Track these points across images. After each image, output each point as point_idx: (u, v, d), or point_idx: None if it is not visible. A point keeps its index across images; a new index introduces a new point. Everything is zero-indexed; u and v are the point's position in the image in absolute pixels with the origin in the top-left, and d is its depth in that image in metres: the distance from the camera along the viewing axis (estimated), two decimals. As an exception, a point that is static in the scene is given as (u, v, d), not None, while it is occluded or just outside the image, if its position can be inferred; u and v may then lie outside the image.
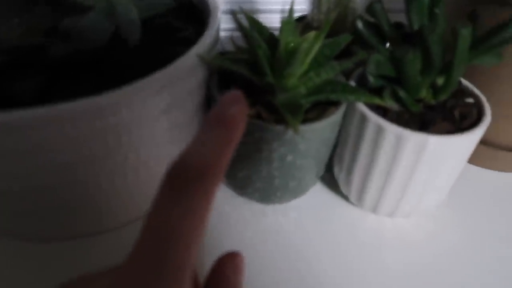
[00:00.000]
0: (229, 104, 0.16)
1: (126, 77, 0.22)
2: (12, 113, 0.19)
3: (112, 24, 0.23)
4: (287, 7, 0.28)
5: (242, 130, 0.17)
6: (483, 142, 0.36)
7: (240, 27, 0.26)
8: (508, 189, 0.35)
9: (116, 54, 0.23)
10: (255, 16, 0.52)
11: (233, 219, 0.31)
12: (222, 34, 0.51)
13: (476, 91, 0.28)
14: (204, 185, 0.14)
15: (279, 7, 0.51)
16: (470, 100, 0.28)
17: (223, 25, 0.51)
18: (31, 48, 0.21)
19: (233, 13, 0.26)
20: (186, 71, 0.25)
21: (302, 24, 0.35)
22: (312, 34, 0.27)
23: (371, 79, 0.27)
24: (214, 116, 0.16)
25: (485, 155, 0.36)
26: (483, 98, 0.28)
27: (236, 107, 0.16)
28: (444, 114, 0.26)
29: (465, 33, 0.23)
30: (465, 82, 0.29)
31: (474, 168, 0.37)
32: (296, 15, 0.38)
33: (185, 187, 0.14)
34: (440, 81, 0.27)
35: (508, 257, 0.30)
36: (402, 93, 0.26)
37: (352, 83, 0.28)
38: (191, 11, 0.33)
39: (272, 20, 0.52)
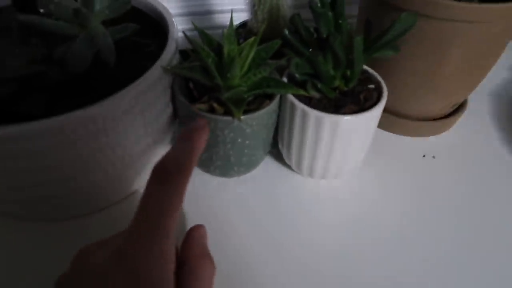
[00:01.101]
0: (195, 126, 0.26)
1: (108, 90, 0.29)
2: (25, 124, 0.26)
3: (93, 49, 0.30)
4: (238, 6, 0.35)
5: (204, 144, 0.26)
6: (398, 114, 0.45)
7: (191, 43, 0.33)
8: (415, 150, 0.45)
9: (98, 73, 0.31)
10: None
11: (202, 192, 0.40)
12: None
13: (379, 78, 0.37)
14: (180, 177, 0.23)
15: (229, 7, 0.58)
16: (371, 86, 0.36)
17: (179, 26, 0.58)
18: (34, 74, 0.28)
19: (184, 33, 0.33)
20: (154, 80, 0.32)
21: (245, 30, 0.43)
22: (250, 41, 0.35)
23: (297, 75, 0.35)
24: (185, 134, 0.26)
25: (399, 124, 0.45)
26: (383, 84, 0.36)
27: (200, 129, 0.26)
28: (352, 98, 0.35)
29: (358, 41, 0.31)
30: (371, 71, 0.38)
31: (390, 135, 0.46)
32: (241, 19, 0.46)
33: (167, 178, 0.23)
34: (348, 73, 0.35)
35: (414, 203, 0.40)
36: (320, 85, 0.34)
37: (284, 78, 0.37)
38: (152, 25, 0.40)
39: (224, 20, 0.59)
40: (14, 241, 0.35)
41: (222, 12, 0.59)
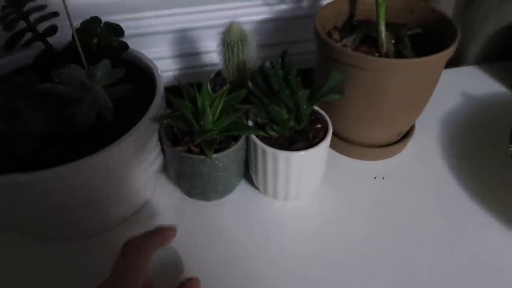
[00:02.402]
0: (163, 231, 0.39)
1: (108, 139, 0.38)
2: (47, 170, 0.35)
3: (96, 109, 0.39)
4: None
5: (163, 244, 0.39)
6: (350, 141, 0.53)
7: (174, 101, 0.42)
8: (367, 172, 0.53)
9: (100, 126, 0.40)
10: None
11: (188, 212, 0.48)
12: (170, 73, 0.67)
13: (326, 118, 0.45)
14: (139, 255, 0.34)
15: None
16: (319, 125, 0.45)
17: (171, 66, 0.68)
18: (50, 131, 0.38)
19: (168, 95, 0.42)
20: (144, 128, 0.41)
21: (220, 78, 0.52)
22: (221, 91, 0.43)
23: (259, 119, 0.44)
24: (154, 230, 0.38)
25: (352, 149, 0.54)
26: (329, 124, 0.45)
27: (166, 235, 0.39)
28: (303, 136, 0.44)
29: (302, 94, 0.40)
30: (320, 111, 0.46)
31: (346, 158, 0.55)
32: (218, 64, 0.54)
33: (129, 253, 0.34)
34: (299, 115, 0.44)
35: (365, 220, 0.48)
36: (276, 127, 0.43)
37: (250, 121, 0.45)
38: (143, 75, 0.49)
39: (211, 59, 0.68)
40: (31, 256, 0.44)
41: (210, 52, 0.68)
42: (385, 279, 0.42)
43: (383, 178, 0.52)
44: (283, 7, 0.65)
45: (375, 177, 0.52)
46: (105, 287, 0.33)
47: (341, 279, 0.42)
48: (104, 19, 0.61)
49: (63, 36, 0.50)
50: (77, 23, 0.48)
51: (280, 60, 0.42)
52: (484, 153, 0.55)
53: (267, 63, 0.41)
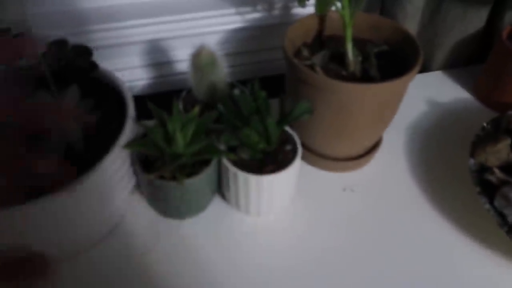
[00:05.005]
0: None
1: (80, 170, 0.39)
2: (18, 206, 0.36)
3: (64, 143, 0.40)
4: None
5: None
6: (321, 155, 0.55)
7: (143, 125, 0.42)
8: (337, 184, 0.55)
9: (71, 158, 0.40)
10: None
11: (161, 231, 0.49)
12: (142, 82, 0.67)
13: (296, 139, 0.47)
14: None
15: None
16: (289, 147, 0.46)
17: (143, 75, 0.67)
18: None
19: (140, 121, 0.42)
20: (116, 156, 0.41)
21: (192, 96, 0.52)
22: (192, 114, 0.44)
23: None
24: None
25: (322, 163, 0.55)
26: (298, 145, 0.46)
27: None
28: (273, 159, 0.45)
29: (271, 122, 0.41)
30: (290, 132, 0.48)
31: (316, 170, 0.56)
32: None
33: None
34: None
35: (334, 232, 0.50)
36: (247, 150, 0.44)
37: (222, 144, 0.46)
38: (111, 94, 0.49)
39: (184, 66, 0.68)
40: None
41: (182, 60, 0.68)
42: (352, 292, 0.45)
43: (352, 190, 0.54)
44: (255, 15, 0.65)
45: (344, 190, 0.54)
46: None
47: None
48: (71, 30, 0.60)
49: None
50: (43, 33, 0.46)
51: (250, 87, 0.43)
52: (447, 161, 0.58)
53: (237, 91, 0.42)
